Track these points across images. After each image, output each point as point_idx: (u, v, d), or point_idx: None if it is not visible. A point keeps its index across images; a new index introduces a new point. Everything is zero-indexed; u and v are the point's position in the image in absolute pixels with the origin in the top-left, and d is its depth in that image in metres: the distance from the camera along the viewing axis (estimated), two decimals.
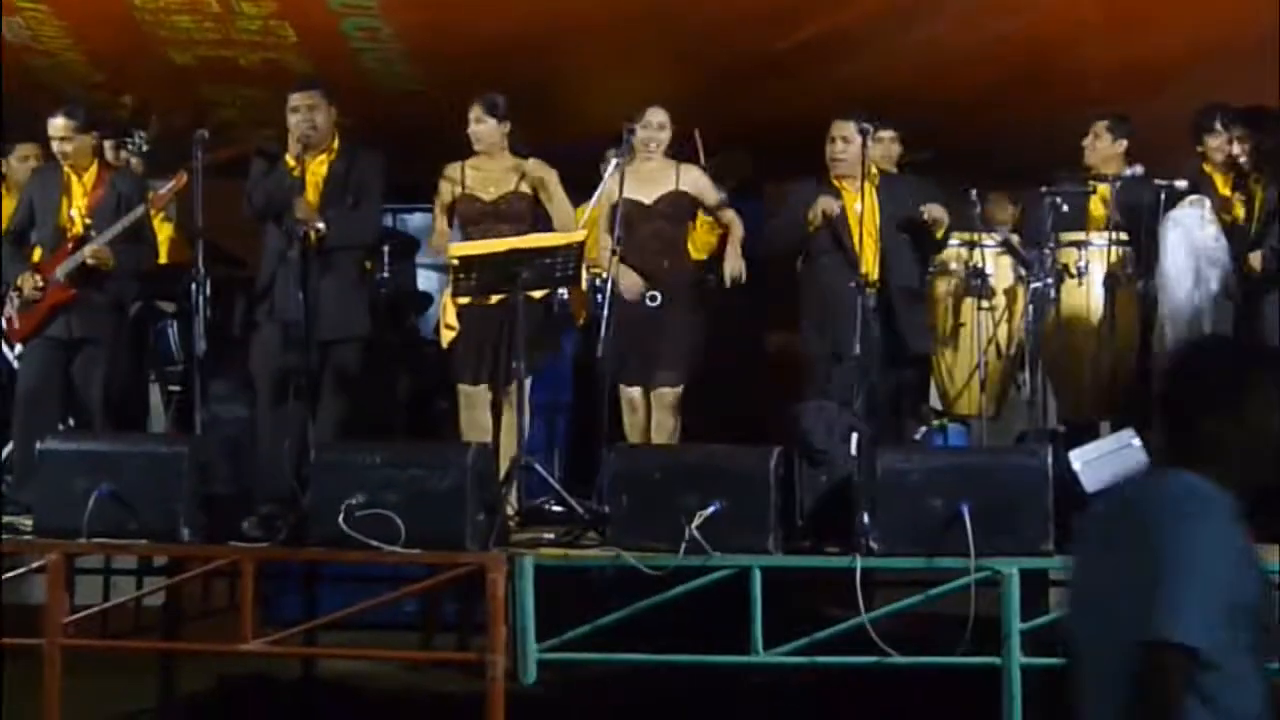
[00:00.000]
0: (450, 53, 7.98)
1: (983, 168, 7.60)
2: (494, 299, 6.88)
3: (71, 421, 7.24)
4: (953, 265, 7.22)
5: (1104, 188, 7.19)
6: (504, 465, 6.71)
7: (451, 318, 6.97)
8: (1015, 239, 7.21)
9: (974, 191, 7.08)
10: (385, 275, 7.91)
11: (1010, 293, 7.14)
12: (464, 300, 6.92)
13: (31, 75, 8.34)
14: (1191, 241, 6.77)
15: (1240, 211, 7.06)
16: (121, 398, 7.36)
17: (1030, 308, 6.91)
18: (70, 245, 7.18)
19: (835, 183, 7.17)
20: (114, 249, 7.10)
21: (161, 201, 7.31)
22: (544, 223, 7.12)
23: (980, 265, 7.10)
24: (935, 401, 7.58)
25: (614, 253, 6.82)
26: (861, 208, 7.00)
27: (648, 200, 7.19)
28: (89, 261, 7.08)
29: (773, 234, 7.51)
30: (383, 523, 5.94)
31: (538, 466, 6.87)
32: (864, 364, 6.73)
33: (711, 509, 5.87)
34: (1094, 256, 7.07)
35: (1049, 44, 7.68)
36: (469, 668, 6.66)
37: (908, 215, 7.13)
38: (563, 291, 7.02)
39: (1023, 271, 7.04)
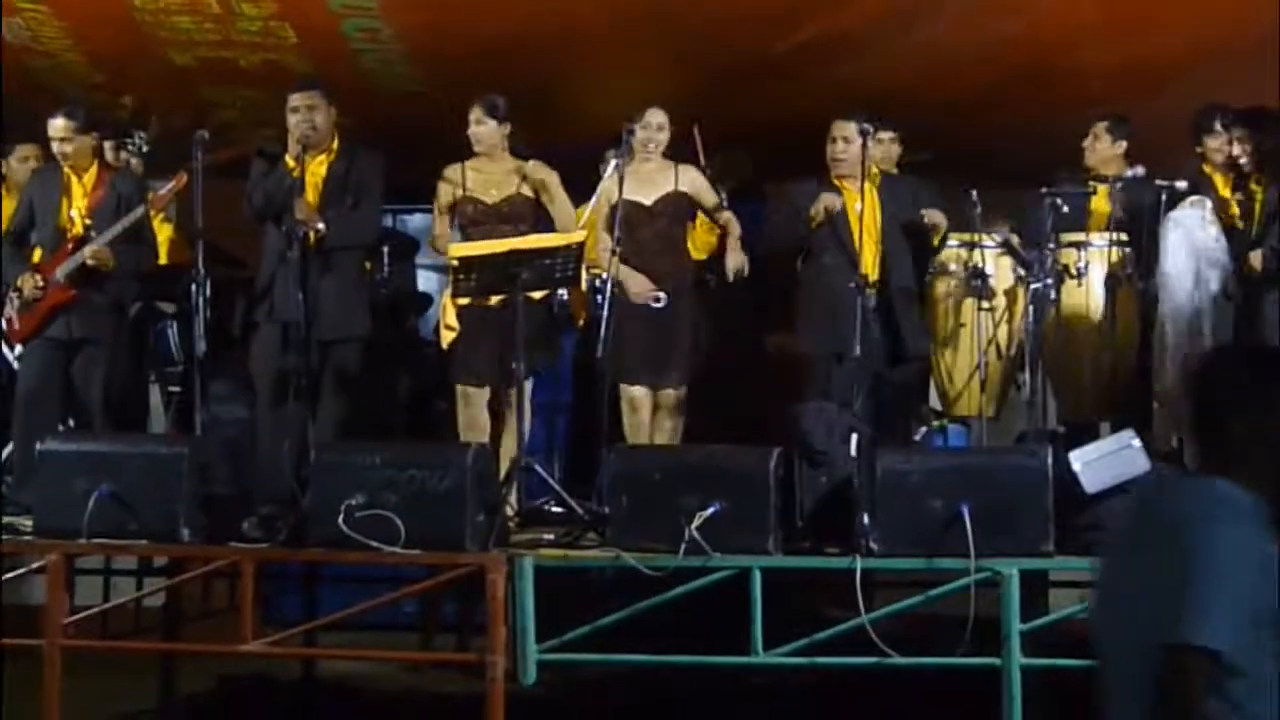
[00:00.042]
0: (450, 54, 7.98)
1: (983, 168, 7.59)
2: (494, 300, 6.88)
3: (71, 422, 7.23)
4: (953, 266, 7.22)
5: (1104, 188, 7.20)
6: (504, 466, 6.72)
7: (451, 318, 6.97)
8: (1015, 240, 7.20)
9: (974, 192, 7.08)
10: (385, 276, 7.92)
11: (1010, 293, 7.13)
12: (464, 301, 6.92)
13: (31, 76, 8.34)
14: (1192, 242, 6.77)
15: (1240, 212, 7.06)
16: (121, 398, 7.36)
17: (1030, 308, 6.90)
18: (70, 246, 7.18)
19: (836, 183, 7.17)
20: (114, 250, 7.10)
21: (161, 202, 7.31)
22: (546, 224, 7.13)
23: (980, 266, 7.09)
24: (935, 402, 7.58)
25: (614, 253, 6.82)
26: (862, 208, 6.99)
27: (648, 201, 7.19)
28: (89, 262, 7.07)
29: (774, 230, 7.50)
30: (382, 523, 5.94)
31: (537, 467, 6.87)
32: (864, 364, 6.73)
33: (711, 510, 5.87)
34: (1094, 257, 7.07)
35: (1049, 45, 7.68)
36: (469, 668, 6.65)
37: (908, 218, 7.14)
38: (563, 292, 7.02)
39: (1023, 272, 7.04)
